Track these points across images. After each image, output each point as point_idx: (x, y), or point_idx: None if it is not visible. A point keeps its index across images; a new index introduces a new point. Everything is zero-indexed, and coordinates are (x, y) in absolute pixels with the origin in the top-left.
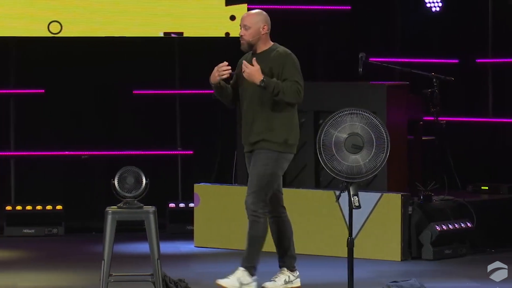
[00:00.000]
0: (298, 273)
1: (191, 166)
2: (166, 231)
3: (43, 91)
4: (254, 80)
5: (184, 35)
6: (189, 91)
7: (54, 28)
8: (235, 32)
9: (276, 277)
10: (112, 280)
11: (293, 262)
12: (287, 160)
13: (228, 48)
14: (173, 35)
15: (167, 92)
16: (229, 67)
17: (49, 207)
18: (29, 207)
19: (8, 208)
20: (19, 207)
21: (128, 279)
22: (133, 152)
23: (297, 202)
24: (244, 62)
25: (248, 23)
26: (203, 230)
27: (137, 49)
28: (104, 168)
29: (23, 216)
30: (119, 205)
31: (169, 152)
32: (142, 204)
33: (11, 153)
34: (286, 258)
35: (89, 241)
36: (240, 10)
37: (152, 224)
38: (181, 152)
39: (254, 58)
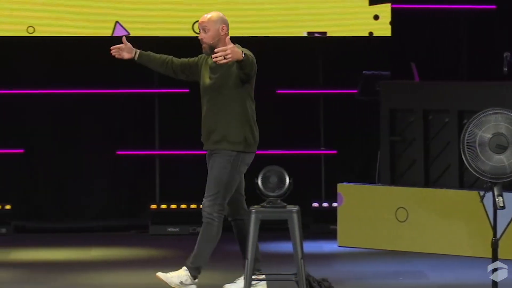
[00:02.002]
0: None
1: (334, 166)
2: (309, 230)
3: (188, 90)
4: (237, 57)
5: (328, 34)
6: (332, 91)
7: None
8: (378, 32)
9: (238, 279)
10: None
11: (256, 265)
12: (245, 162)
13: (371, 47)
14: (316, 35)
15: (310, 91)
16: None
17: (193, 206)
18: (173, 206)
19: (153, 207)
20: (164, 206)
21: (271, 278)
22: (277, 152)
23: (441, 202)
24: (219, 49)
25: (207, 25)
26: (346, 230)
27: (281, 49)
28: (248, 167)
29: (168, 214)
30: (262, 204)
31: (313, 152)
32: (285, 204)
33: (156, 152)
34: None
35: (233, 240)
36: (384, 9)
37: (296, 223)
38: (324, 152)
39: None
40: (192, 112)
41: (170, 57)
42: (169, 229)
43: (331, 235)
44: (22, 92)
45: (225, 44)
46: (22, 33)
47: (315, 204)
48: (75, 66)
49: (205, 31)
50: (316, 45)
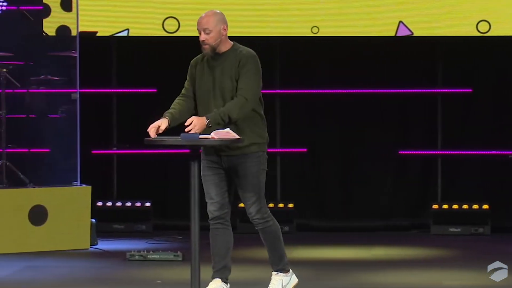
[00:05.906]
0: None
1: None
2: None
3: (470, 90)
4: (202, 128)
5: None
6: None
7: (483, 27)
8: None
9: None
10: None
11: (225, 273)
12: (266, 158)
13: None
14: None
15: None
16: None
17: (475, 206)
18: (455, 206)
19: (435, 206)
20: (445, 206)
21: None
22: None
23: None
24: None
25: (209, 27)
26: None
27: None
28: None
29: (449, 214)
30: None
31: None
32: None
33: (438, 152)
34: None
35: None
36: None
37: None
38: None
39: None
40: (474, 112)
41: (182, 98)
42: (451, 229)
43: None
44: (311, 92)
45: (226, 44)
46: (307, 33)
47: None
48: (356, 65)
49: (206, 32)
50: None
